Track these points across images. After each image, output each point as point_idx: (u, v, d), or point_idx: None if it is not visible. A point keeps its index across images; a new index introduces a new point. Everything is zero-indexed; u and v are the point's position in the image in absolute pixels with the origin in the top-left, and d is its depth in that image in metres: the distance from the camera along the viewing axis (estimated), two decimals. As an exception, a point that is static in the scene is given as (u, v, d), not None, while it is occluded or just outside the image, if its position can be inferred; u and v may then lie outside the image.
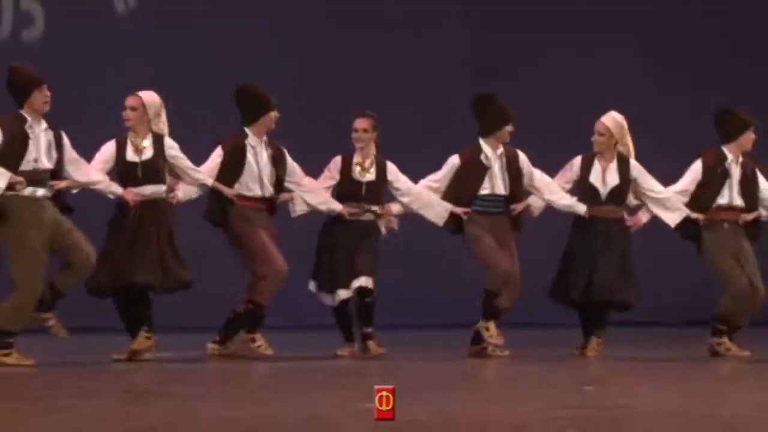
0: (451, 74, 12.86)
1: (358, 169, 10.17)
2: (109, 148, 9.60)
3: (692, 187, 10.35)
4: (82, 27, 12.30)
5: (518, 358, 10.19)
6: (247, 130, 9.96)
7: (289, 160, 10.08)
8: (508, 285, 10.19)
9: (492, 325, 10.12)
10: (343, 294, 10.10)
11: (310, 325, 10.48)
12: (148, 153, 9.62)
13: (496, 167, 10.25)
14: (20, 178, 8.92)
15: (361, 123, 10.17)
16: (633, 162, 10.33)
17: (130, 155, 9.60)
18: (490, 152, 10.25)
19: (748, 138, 10.37)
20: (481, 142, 10.25)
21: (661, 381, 9.32)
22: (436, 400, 8.09)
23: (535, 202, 10.36)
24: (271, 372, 9.60)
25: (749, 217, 10.33)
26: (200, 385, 8.83)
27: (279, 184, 10.03)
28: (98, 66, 10.98)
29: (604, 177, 10.28)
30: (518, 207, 10.26)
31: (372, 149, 10.20)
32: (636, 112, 11.42)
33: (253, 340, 10.09)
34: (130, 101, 9.64)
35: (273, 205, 10.08)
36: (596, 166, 10.30)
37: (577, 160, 10.37)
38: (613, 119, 10.33)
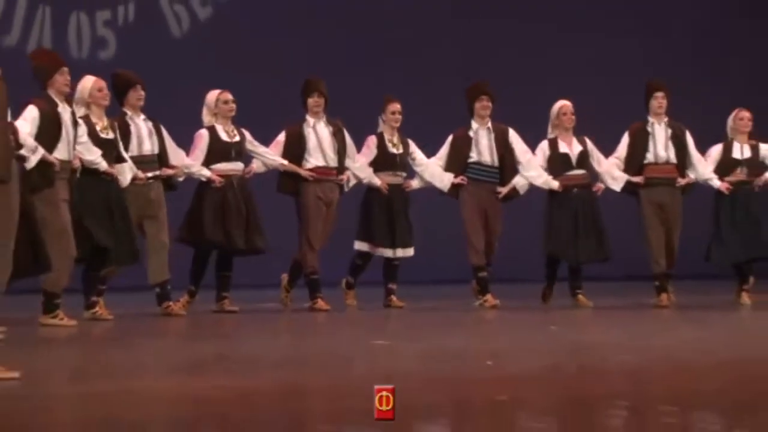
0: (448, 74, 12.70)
1: (390, 144, 10.06)
2: (204, 136, 9.46)
3: (625, 152, 10.21)
4: (146, 48, 12.25)
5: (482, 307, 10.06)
6: (307, 115, 9.81)
7: (347, 136, 9.91)
8: (487, 253, 10.09)
9: (489, 296, 9.98)
10: (383, 252, 9.97)
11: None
12: (238, 137, 9.54)
13: (484, 140, 10.06)
14: (142, 175, 8.91)
15: (398, 106, 10.01)
16: (587, 139, 10.25)
17: (224, 137, 9.46)
18: (476, 126, 10.08)
19: (655, 102, 10.17)
20: (472, 121, 10.14)
21: (609, 322, 9.39)
22: (429, 337, 8.14)
23: (519, 182, 10.11)
24: (303, 318, 9.54)
25: (682, 182, 10.17)
26: (247, 328, 8.84)
27: (341, 157, 9.80)
28: (159, 78, 10.97)
29: (571, 147, 10.18)
30: (503, 191, 10.05)
31: None
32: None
33: (289, 288, 9.96)
34: (231, 95, 9.56)
35: (340, 173, 9.76)
36: (561, 143, 10.17)
37: (544, 143, 10.22)
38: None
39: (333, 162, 9.75)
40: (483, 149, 10.07)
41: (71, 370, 6.43)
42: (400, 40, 13.08)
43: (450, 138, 10.18)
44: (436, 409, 5.12)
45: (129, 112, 9.11)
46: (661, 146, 10.17)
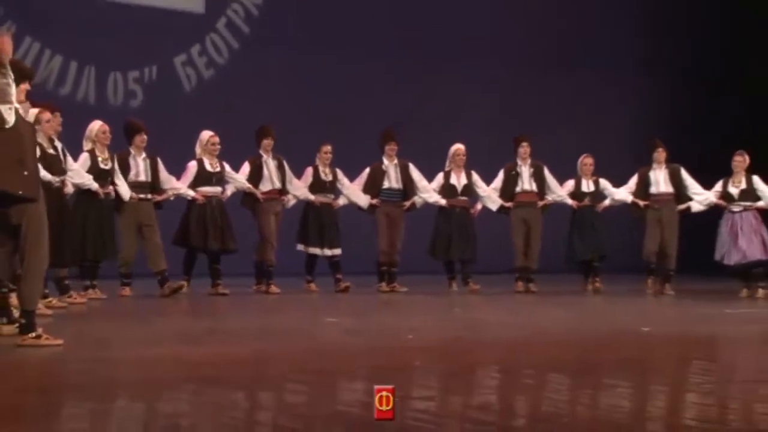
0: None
1: (323, 174, 10.12)
2: (194, 167, 9.49)
3: (500, 184, 10.43)
4: (164, 98, 12.21)
5: (409, 293, 10.07)
6: (260, 151, 9.89)
7: (286, 166, 9.96)
8: (392, 254, 10.21)
9: (384, 285, 10.17)
10: (314, 251, 10.05)
11: (289, 272, 10.40)
12: (219, 168, 9.57)
13: (392, 172, 10.24)
14: (135, 196, 8.94)
15: (329, 147, 10.14)
16: (473, 172, 10.41)
17: (209, 168, 9.49)
18: (387, 163, 10.26)
19: (521, 150, 10.44)
20: (383, 158, 10.31)
21: (494, 305, 9.37)
22: (366, 315, 8.14)
23: (416, 200, 10.33)
24: (275, 301, 9.44)
25: (541, 203, 10.44)
26: (233, 308, 8.79)
27: (283, 182, 9.86)
28: (173, 121, 10.94)
29: (459, 179, 10.36)
30: (406, 204, 10.27)
31: None
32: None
33: (258, 284, 9.93)
34: (218, 138, 9.55)
35: (282, 194, 9.85)
36: (453, 175, 10.38)
37: (441, 174, 10.41)
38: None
39: (278, 186, 9.84)
40: (392, 179, 10.26)
41: (97, 340, 6.31)
42: (340, 100, 13.08)
43: (368, 170, 10.31)
44: (368, 371, 5.14)
45: (133, 151, 9.12)
46: (526, 181, 10.43)
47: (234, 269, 10.01)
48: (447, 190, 10.34)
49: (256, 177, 9.79)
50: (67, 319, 7.25)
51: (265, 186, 9.81)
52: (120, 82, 12.39)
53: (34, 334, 5.48)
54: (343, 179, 10.22)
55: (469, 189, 10.35)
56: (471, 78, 13.92)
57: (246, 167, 9.83)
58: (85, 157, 8.65)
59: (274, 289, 9.72)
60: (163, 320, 7.67)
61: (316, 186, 10.10)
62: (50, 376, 4.87)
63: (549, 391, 4.67)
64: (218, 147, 9.57)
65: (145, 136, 9.14)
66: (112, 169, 8.78)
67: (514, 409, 4.26)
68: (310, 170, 10.14)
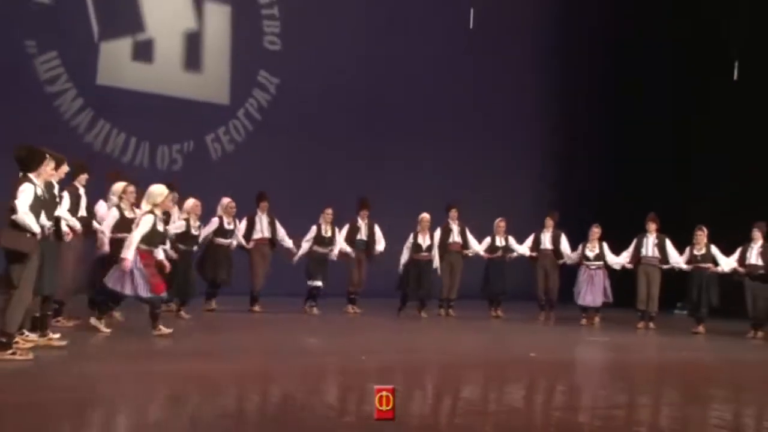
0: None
1: (323, 231, 10.09)
2: (216, 221, 9.49)
3: (438, 239, 10.52)
4: (198, 165, 12.19)
5: (365, 316, 9.94)
6: (257, 209, 9.96)
7: (277, 223, 9.97)
8: (359, 284, 10.30)
9: (350, 307, 10.24)
10: (316, 283, 9.99)
11: (289, 292, 10.35)
12: (233, 225, 9.60)
13: (363, 229, 10.38)
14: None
15: (330, 210, 10.10)
16: (434, 233, 10.51)
17: (226, 226, 9.48)
18: (361, 222, 10.39)
19: (452, 213, 10.62)
20: (358, 218, 10.41)
21: (429, 329, 9.17)
22: (336, 337, 7.74)
23: (379, 250, 10.43)
24: (270, 318, 9.26)
25: (463, 252, 10.61)
26: (237, 325, 8.29)
27: (273, 234, 9.89)
28: (203, 183, 10.82)
29: (424, 240, 10.42)
30: (369, 253, 10.40)
31: None
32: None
33: (252, 305, 9.87)
34: (234, 203, 9.59)
35: (272, 242, 9.89)
36: (420, 236, 10.41)
37: (412, 234, 10.45)
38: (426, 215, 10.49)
39: (268, 236, 9.88)
40: (363, 233, 10.38)
41: (111, 353, 5.90)
42: (324, 173, 13.03)
43: (347, 226, 10.37)
44: (329, 391, 4.99)
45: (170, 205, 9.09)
46: (456, 235, 10.64)
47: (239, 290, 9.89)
48: (415, 247, 10.43)
49: (250, 229, 9.90)
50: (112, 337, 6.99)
51: (257, 235, 9.89)
52: (166, 152, 12.34)
53: (9, 352, 5.31)
54: (336, 235, 10.20)
55: (431, 246, 10.44)
56: (424, 157, 13.95)
57: (244, 221, 9.94)
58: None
59: (256, 309, 9.72)
60: (185, 332, 7.32)
61: (319, 240, 10.09)
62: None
63: (463, 409, 4.57)
64: (235, 209, 9.63)
65: (176, 194, 9.09)
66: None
67: (440, 424, 4.15)
68: (313, 229, 10.12)
